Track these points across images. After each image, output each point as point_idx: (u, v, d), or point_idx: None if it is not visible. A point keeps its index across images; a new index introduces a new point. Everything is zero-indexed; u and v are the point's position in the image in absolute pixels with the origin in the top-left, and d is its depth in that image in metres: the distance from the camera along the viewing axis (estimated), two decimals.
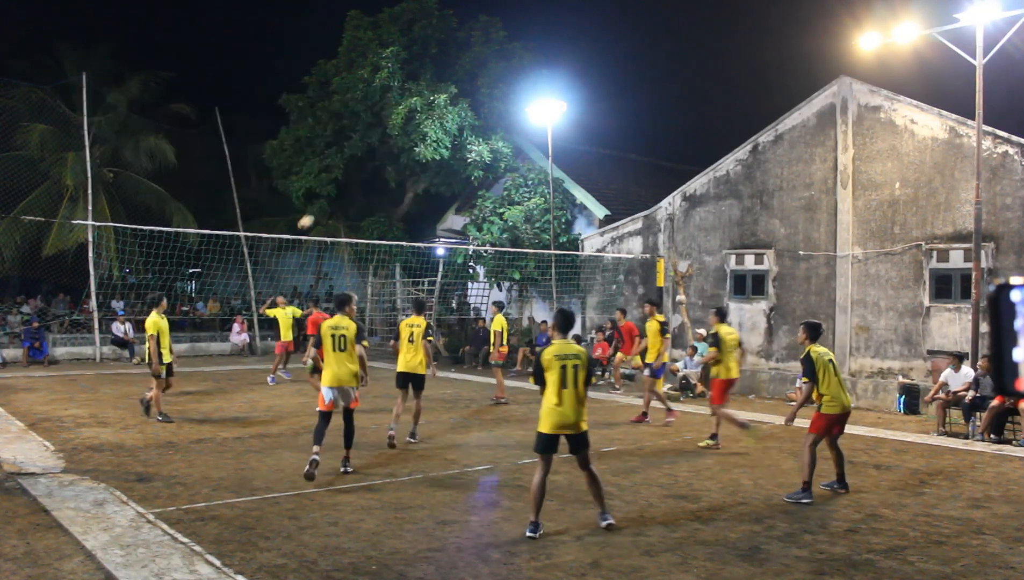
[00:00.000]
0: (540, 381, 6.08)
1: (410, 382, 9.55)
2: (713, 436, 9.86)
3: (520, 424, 11.33)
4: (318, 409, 7.92)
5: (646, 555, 5.59)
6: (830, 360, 7.47)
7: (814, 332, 7.64)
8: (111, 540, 5.58)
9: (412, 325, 9.61)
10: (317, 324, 10.93)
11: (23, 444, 8.92)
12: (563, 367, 5.99)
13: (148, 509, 6.36)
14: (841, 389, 7.40)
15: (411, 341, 9.52)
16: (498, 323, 13.76)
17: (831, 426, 7.45)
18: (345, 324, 7.87)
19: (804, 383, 7.51)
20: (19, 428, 9.94)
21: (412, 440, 9.55)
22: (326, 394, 7.84)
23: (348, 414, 7.99)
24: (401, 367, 9.58)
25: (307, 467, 7.37)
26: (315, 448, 7.52)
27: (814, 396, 7.41)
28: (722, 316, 10.18)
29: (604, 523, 6.16)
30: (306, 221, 20.49)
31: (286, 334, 15.72)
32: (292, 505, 6.67)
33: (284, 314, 15.84)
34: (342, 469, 7.90)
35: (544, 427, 6.07)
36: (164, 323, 10.70)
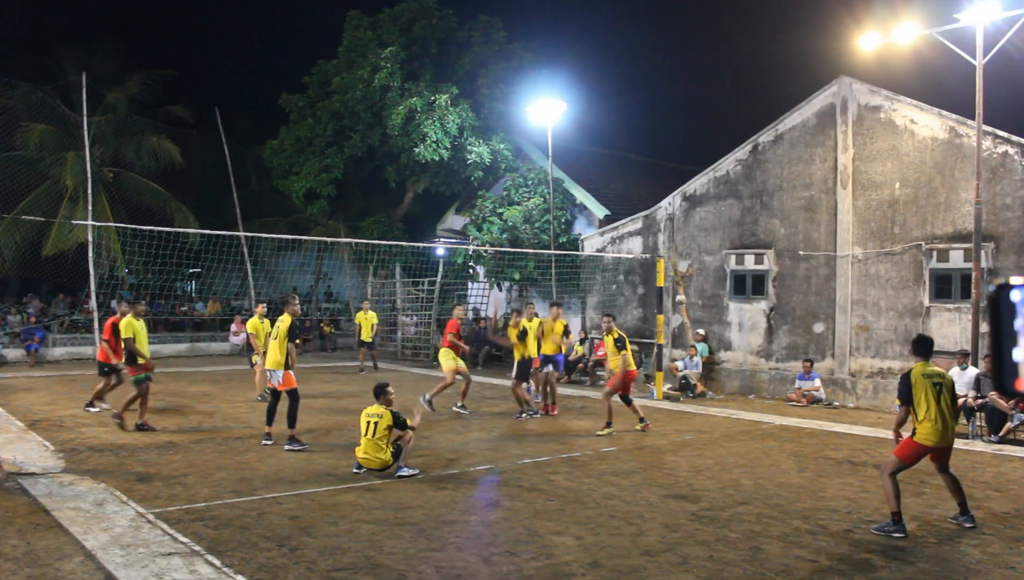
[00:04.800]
0: None
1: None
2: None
3: (520, 424, 11.36)
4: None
5: (646, 555, 5.59)
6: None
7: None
8: (111, 540, 5.58)
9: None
10: (114, 326, 10.46)
11: (23, 444, 8.92)
12: None
13: (148, 509, 6.36)
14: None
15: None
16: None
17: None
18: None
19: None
20: (19, 428, 9.94)
21: None
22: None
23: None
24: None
25: None
26: None
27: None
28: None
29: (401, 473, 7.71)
30: None
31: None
32: (292, 505, 6.67)
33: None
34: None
35: None
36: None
